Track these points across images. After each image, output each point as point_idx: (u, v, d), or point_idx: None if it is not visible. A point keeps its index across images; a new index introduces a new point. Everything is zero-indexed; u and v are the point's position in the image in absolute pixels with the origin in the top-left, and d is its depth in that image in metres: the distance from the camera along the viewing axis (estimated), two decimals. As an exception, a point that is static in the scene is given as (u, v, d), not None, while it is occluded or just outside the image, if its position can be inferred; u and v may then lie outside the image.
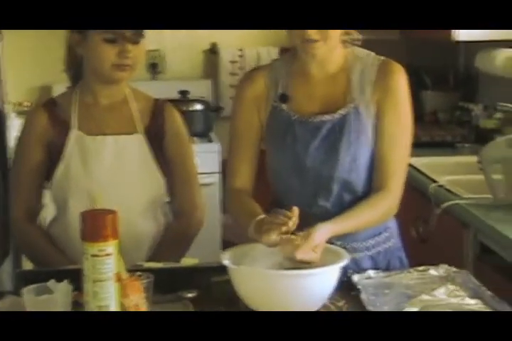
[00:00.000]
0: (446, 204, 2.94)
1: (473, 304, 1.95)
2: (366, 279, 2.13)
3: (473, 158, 3.23)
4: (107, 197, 2.26)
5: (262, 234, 1.92)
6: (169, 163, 2.40)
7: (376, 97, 2.11)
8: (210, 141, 4.10)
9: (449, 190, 3.12)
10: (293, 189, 2.17)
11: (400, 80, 2.12)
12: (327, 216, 2.07)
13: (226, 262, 1.91)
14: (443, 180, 3.28)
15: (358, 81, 2.12)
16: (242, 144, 2.21)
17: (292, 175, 2.16)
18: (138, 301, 1.83)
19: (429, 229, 3.04)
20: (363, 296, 1.96)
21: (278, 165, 2.18)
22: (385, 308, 1.93)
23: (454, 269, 2.16)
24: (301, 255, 1.90)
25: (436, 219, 3.00)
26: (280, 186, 2.21)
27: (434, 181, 3.23)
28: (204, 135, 4.16)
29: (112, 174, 2.32)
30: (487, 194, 2.95)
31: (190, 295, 1.99)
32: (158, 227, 2.40)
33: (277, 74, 2.18)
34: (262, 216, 2.03)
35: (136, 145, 2.34)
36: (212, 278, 2.05)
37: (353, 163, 2.12)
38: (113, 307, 1.72)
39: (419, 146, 3.94)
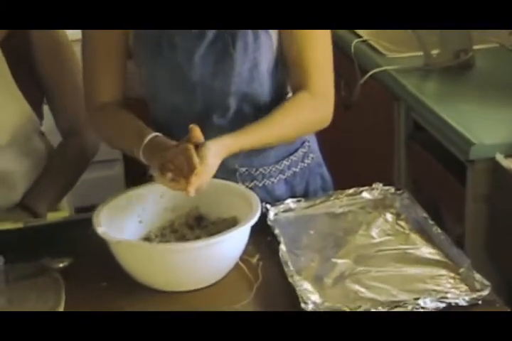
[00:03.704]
0: (371, 72, 2.48)
1: (425, 253, 1.54)
2: (285, 212, 1.71)
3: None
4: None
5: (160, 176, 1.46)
6: (45, 79, 1.86)
7: None
8: None
9: (373, 47, 2.64)
10: (177, 108, 1.67)
11: None
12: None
13: (101, 231, 1.45)
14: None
15: None
16: (99, 49, 1.67)
17: (175, 93, 1.65)
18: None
19: (353, 97, 2.60)
20: (282, 249, 1.54)
21: (155, 80, 1.66)
22: (312, 265, 1.52)
23: (392, 190, 1.75)
24: (193, 192, 1.44)
25: (360, 88, 2.55)
26: (160, 105, 1.71)
27: (357, 35, 2.74)
28: None
29: None
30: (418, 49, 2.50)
31: (60, 264, 1.54)
32: (34, 160, 1.89)
33: None
34: (151, 135, 1.55)
35: None
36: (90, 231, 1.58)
37: (253, 70, 1.62)
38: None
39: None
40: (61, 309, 1.44)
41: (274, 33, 1.61)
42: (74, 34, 1.79)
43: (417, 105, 2.27)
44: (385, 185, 1.76)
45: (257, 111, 1.65)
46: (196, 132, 1.46)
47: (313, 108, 1.63)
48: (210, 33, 1.59)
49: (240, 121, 1.65)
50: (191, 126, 1.46)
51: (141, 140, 1.53)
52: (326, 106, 1.65)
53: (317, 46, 1.62)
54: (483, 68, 2.46)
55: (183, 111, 1.67)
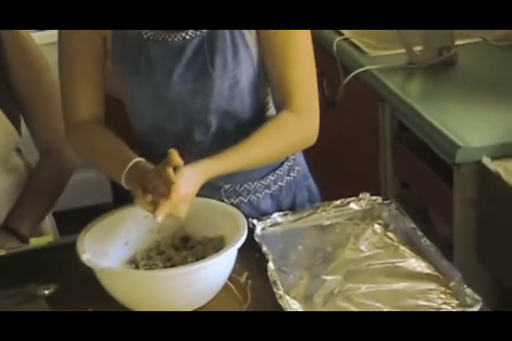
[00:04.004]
0: (354, 72, 2.45)
1: (415, 266, 1.52)
2: (272, 227, 1.69)
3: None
4: None
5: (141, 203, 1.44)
6: (19, 93, 1.82)
7: None
8: None
9: (356, 46, 2.61)
10: (157, 124, 1.65)
11: None
12: (207, 154, 1.57)
13: (86, 258, 1.43)
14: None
15: None
16: (78, 65, 1.63)
17: (155, 109, 1.62)
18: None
19: (337, 97, 2.58)
20: (270, 267, 1.52)
21: (135, 96, 1.64)
22: (301, 282, 1.51)
23: (379, 200, 1.73)
24: (161, 217, 1.41)
25: (343, 88, 2.52)
26: (141, 120, 1.68)
27: (339, 33, 2.70)
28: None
29: None
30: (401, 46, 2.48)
31: (46, 291, 1.52)
32: (14, 178, 1.86)
33: None
34: (134, 161, 1.53)
35: None
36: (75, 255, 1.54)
37: (233, 88, 1.59)
38: None
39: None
40: (48, 337, 1.42)
41: (254, 48, 1.58)
42: (47, 37, 1.75)
43: (401, 106, 2.25)
44: (372, 194, 1.74)
45: (239, 127, 1.63)
46: (175, 157, 1.43)
47: (297, 128, 1.59)
48: (189, 51, 1.56)
49: (221, 138, 1.63)
50: (170, 150, 1.44)
51: (124, 166, 1.51)
52: (311, 123, 1.62)
53: (300, 61, 1.58)
54: (466, 65, 2.44)
55: (164, 128, 1.64)
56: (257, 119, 1.62)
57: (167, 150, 1.57)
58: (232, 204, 1.66)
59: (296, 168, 1.76)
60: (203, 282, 1.42)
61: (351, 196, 1.74)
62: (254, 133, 1.56)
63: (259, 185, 1.71)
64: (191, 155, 1.62)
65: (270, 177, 1.72)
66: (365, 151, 2.55)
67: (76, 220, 1.66)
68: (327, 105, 2.68)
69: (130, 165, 1.52)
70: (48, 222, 1.94)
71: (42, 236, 1.83)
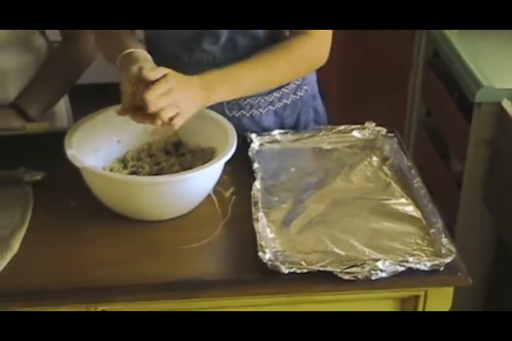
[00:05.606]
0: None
1: (402, 206, 1.49)
2: (270, 143, 1.67)
3: None
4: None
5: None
6: None
7: None
8: None
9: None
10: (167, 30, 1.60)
11: None
12: (216, 66, 1.54)
13: (71, 154, 1.42)
14: None
15: None
16: None
17: None
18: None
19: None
20: (256, 186, 1.50)
21: None
22: (283, 206, 1.49)
23: (383, 132, 1.69)
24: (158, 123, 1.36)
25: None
26: None
27: None
28: None
29: None
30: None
31: (34, 177, 1.53)
32: (33, 56, 1.83)
33: None
34: (129, 50, 1.47)
35: None
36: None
37: None
38: None
39: None
40: (25, 225, 1.43)
41: None
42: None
43: (437, 33, 2.17)
44: (377, 125, 1.70)
45: (252, 42, 1.58)
46: None
47: (309, 51, 1.55)
48: None
49: (232, 50, 1.60)
50: None
51: (122, 51, 1.46)
52: (324, 46, 1.57)
53: None
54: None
55: (172, 32, 1.60)
56: (272, 37, 1.57)
57: (176, 54, 1.55)
58: (233, 117, 1.65)
59: (305, 87, 1.72)
60: (182, 193, 1.41)
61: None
62: (265, 53, 1.52)
63: (262, 100, 1.67)
64: (198, 63, 1.59)
65: (275, 94, 1.68)
66: (396, 71, 2.49)
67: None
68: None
69: (128, 51, 1.46)
70: (64, 108, 1.93)
71: (52, 121, 1.83)
